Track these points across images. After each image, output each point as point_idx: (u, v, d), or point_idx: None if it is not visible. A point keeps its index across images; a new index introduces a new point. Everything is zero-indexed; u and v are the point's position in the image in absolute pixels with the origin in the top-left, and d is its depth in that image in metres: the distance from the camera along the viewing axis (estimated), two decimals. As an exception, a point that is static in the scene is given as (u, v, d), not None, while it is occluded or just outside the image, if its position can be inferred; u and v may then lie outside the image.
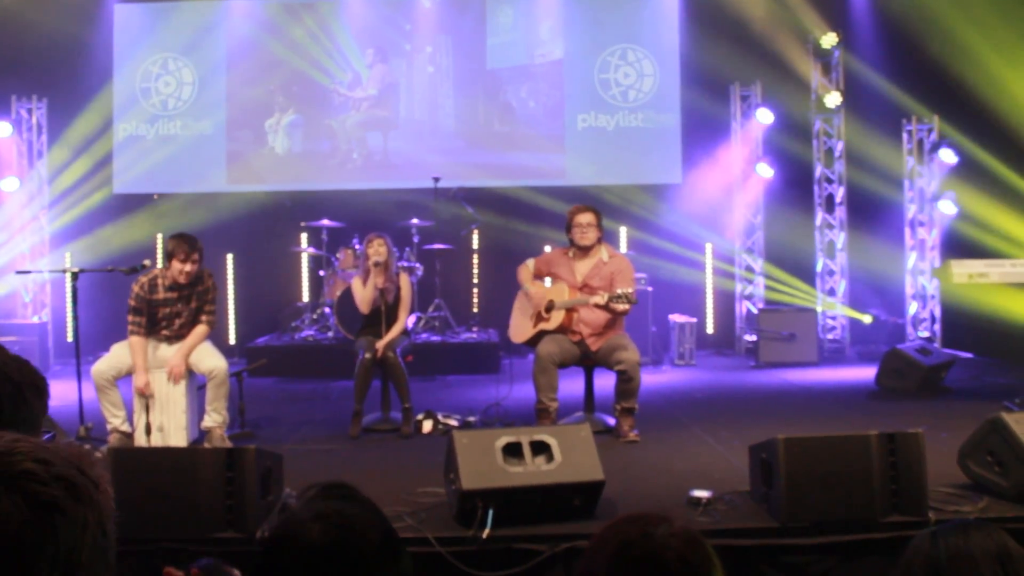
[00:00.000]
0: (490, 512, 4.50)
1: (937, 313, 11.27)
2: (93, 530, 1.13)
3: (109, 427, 6.51)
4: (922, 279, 11.36)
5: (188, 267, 6.54)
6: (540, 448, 4.79)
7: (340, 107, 11.83)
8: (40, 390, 2.07)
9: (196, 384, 6.84)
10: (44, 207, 11.48)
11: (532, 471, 4.70)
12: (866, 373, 9.21)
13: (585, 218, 6.96)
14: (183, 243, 6.56)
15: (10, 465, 1.10)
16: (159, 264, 7.02)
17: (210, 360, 6.62)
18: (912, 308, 11.41)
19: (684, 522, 1.70)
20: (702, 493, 4.94)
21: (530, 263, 7.25)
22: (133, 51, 11.73)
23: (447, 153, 11.61)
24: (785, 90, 11.43)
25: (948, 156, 10.92)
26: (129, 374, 6.58)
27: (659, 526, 1.67)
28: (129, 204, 11.51)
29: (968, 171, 10.63)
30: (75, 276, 6.97)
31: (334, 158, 11.83)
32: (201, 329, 6.70)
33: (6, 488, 1.08)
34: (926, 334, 11.04)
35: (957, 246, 10.67)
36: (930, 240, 11.31)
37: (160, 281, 6.64)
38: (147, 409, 6.51)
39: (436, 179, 10.65)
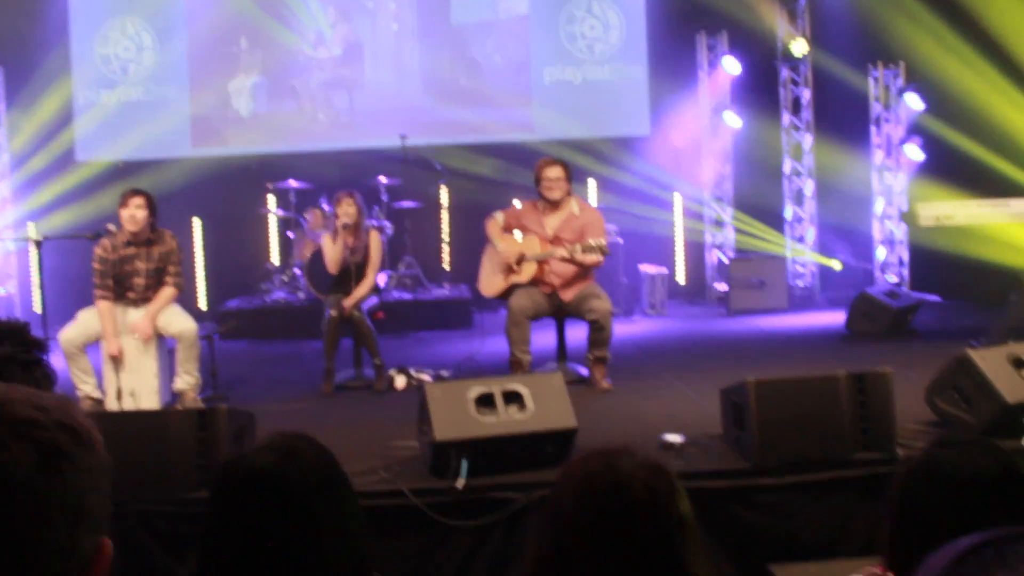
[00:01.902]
0: (464, 462, 4.52)
1: (905, 257, 11.35)
2: (96, 475, 1.13)
3: (80, 394, 6.46)
4: (890, 224, 11.43)
5: (133, 211, 6.46)
6: (512, 397, 4.80)
7: (304, 67, 11.69)
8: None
9: (166, 347, 6.80)
10: (5, 177, 11.30)
11: (505, 420, 4.71)
12: (836, 318, 9.28)
13: (553, 172, 6.92)
14: (124, 191, 6.57)
15: (12, 413, 1.09)
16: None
17: (179, 322, 6.57)
18: (880, 253, 11.49)
19: (645, 452, 1.71)
20: (674, 438, 4.98)
21: (499, 216, 7.21)
22: (91, 16, 11.50)
23: (414, 111, 11.51)
24: (751, 38, 11.40)
25: (915, 102, 10.95)
26: (98, 340, 6.53)
27: (623, 458, 1.68)
28: (92, 171, 11.35)
29: (935, 116, 10.66)
30: (39, 245, 6.88)
31: (299, 119, 11.71)
32: (168, 291, 6.64)
33: (13, 435, 1.07)
34: (894, 278, 11.14)
35: (924, 191, 10.72)
36: (897, 185, 11.36)
37: (119, 240, 6.57)
38: (117, 374, 6.47)
39: (403, 137, 10.57)
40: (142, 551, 4.48)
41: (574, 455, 1.71)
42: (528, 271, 6.91)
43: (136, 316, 6.59)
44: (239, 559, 1.65)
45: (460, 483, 4.48)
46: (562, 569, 1.65)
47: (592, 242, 6.65)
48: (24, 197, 11.28)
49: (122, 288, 6.61)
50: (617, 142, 11.60)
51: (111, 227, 6.80)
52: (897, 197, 11.35)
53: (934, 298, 10.32)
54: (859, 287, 9.92)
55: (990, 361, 4.97)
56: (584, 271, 6.89)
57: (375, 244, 7.39)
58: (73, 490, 1.09)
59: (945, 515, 1.78)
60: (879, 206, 11.49)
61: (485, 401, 4.77)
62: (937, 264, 10.34)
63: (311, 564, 1.63)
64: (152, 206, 6.59)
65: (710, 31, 11.52)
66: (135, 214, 6.49)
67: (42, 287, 6.90)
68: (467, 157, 11.34)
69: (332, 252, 7.31)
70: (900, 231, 11.33)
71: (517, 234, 7.19)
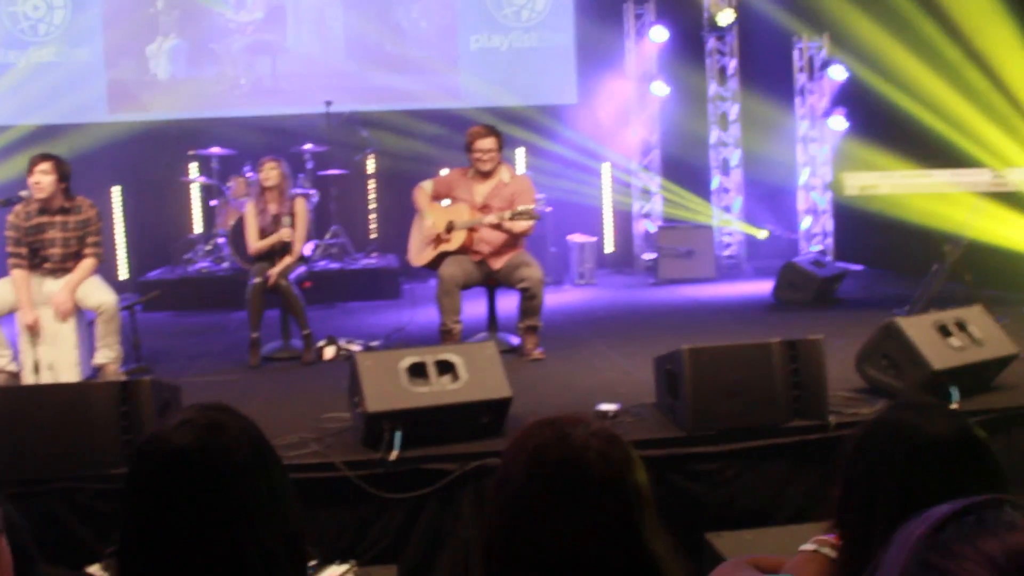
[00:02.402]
0: (397, 434, 4.44)
1: (829, 227, 11.52)
2: None
3: (-6, 367, 6.23)
4: (814, 194, 11.58)
5: (37, 177, 6.20)
6: (445, 367, 4.73)
7: (225, 31, 11.39)
8: None
9: (86, 319, 6.57)
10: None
11: (438, 391, 4.64)
12: (763, 287, 9.38)
13: (486, 143, 6.81)
14: (32, 157, 6.29)
15: None
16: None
17: (97, 295, 6.35)
18: (805, 223, 11.63)
19: (600, 423, 1.65)
20: (609, 406, 4.96)
21: (426, 185, 7.10)
22: (-3, -28, 11.06)
23: (338, 76, 11.29)
24: (679, 8, 11.41)
25: (838, 73, 11.07)
26: (13, 311, 6.28)
27: (577, 427, 1.62)
28: (3, 136, 10.93)
29: (858, 87, 10.79)
30: (-53, 210, 6.60)
31: (221, 84, 11.42)
32: (87, 263, 6.41)
33: None
34: (819, 248, 11.29)
35: (849, 161, 10.86)
36: (821, 156, 11.50)
37: (33, 207, 6.32)
38: (35, 346, 6.24)
39: (328, 103, 10.38)
40: (64, 528, 4.34)
41: (523, 424, 1.63)
42: (457, 239, 6.82)
43: (54, 287, 6.35)
44: (162, 543, 1.54)
45: (394, 455, 4.41)
46: (514, 542, 1.59)
47: (522, 208, 6.59)
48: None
49: (38, 258, 6.36)
50: (545, 110, 11.55)
51: (24, 193, 6.53)
52: (821, 167, 11.49)
53: (858, 267, 10.49)
54: (785, 257, 10.03)
55: (917, 328, 5.05)
56: (514, 239, 6.82)
57: (300, 211, 7.23)
58: None
59: (904, 477, 1.77)
60: (804, 176, 11.61)
61: (417, 371, 4.69)
62: (861, 234, 10.50)
63: (241, 545, 1.53)
64: (62, 172, 6.31)
65: (638, 0, 11.48)
66: (40, 180, 6.21)
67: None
68: (394, 124, 11.18)
69: (251, 226, 7.14)
70: (825, 201, 11.49)
71: (446, 202, 7.09)
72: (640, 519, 1.57)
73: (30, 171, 6.25)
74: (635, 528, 1.56)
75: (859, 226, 10.37)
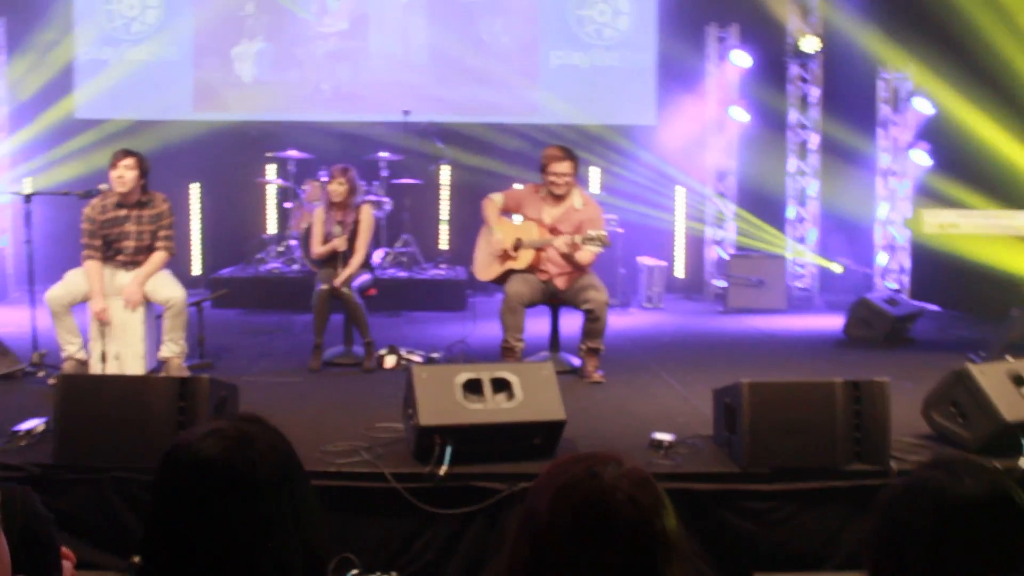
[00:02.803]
0: (448, 449, 4.42)
1: (906, 264, 11.26)
2: None
3: (64, 354, 6.37)
4: (892, 229, 11.33)
5: (120, 172, 6.35)
6: (501, 385, 4.71)
7: (310, 37, 11.54)
8: None
9: (154, 313, 6.69)
10: (4, 132, 11.16)
11: (492, 408, 4.62)
12: (833, 322, 9.19)
13: (562, 168, 6.75)
14: (115, 151, 6.45)
15: None
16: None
17: (167, 289, 6.46)
18: (882, 258, 11.39)
19: (633, 462, 1.60)
20: (664, 436, 4.89)
21: (497, 198, 7.08)
22: (96, -30, 11.36)
23: (418, 87, 11.37)
24: (762, 33, 11.27)
25: (923, 106, 10.83)
26: (84, 300, 6.43)
27: (607, 465, 1.58)
28: (91, 129, 11.21)
29: (943, 122, 10.55)
30: (28, 199, 6.77)
31: (302, 88, 11.57)
32: (159, 256, 6.53)
33: None
34: (894, 285, 11.04)
35: (930, 197, 10.62)
36: (902, 190, 11.25)
37: (109, 200, 6.46)
38: (103, 337, 6.37)
39: (406, 112, 10.46)
40: (115, 517, 4.40)
41: (557, 456, 1.59)
42: (525, 258, 6.80)
43: (125, 279, 6.48)
44: (180, 548, 1.55)
45: (443, 470, 4.39)
46: (537, 573, 1.55)
47: (593, 233, 6.53)
48: (23, 152, 11.13)
49: (111, 250, 6.50)
50: (621, 130, 11.49)
51: (103, 187, 6.68)
52: (901, 202, 11.25)
53: (934, 307, 10.23)
54: (858, 292, 9.83)
55: (990, 377, 4.88)
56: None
57: (365, 218, 7.26)
58: None
59: (934, 540, 1.69)
60: (883, 210, 11.38)
61: (473, 387, 4.68)
62: (939, 273, 10.24)
63: (257, 557, 1.53)
64: (143, 168, 6.47)
65: (721, 23, 11.38)
66: (123, 175, 6.37)
67: (29, 241, 6.78)
68: (470, 137, 11.22)
69: (317, 234, 7.23)
70: (903, 237, 11.23)
71: (516, 217, 7.07)
72: (665, 565, 1.52)
73: (113, 165, 6.40)
74: (660, 574, 1.51)
75: (937, 265, 10.11)
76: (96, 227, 6.43)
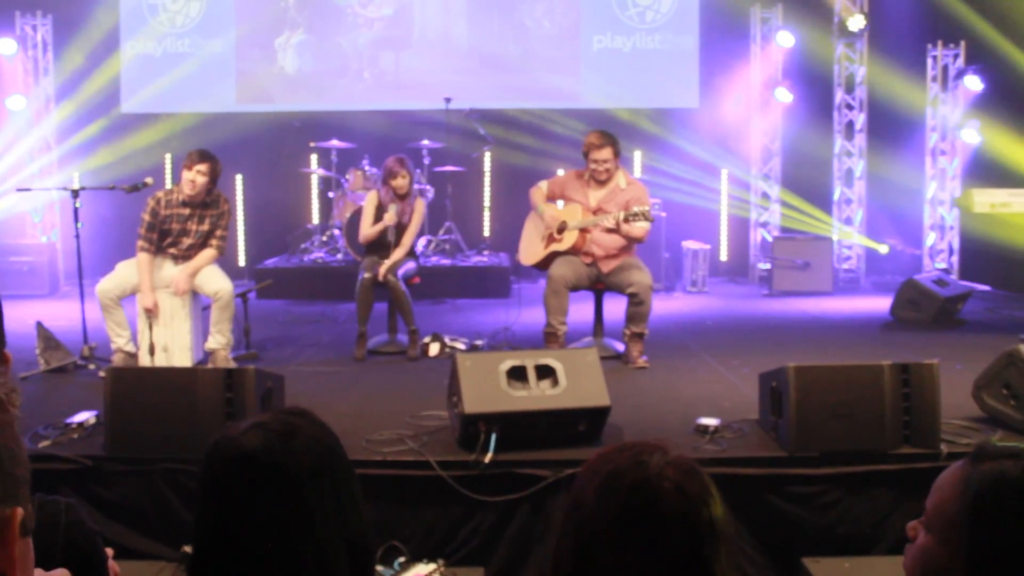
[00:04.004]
0: (493, 436, 4.43)
1: (955, 244, 11.09)
2: None
3: (113, 347, 6.46)
4: (941, 209, 11.16)
5: (194, 176, 6.43)
6: (545, 372, 4.70)
7: (352, 25, 11.57)
8: None
9: (201, 305, 6.77)
10: (51, 126, 11.33)
11: (536, 395, 4.62)
12: (881, 304, 9.07)
13: (603, 155, 6.73)
14: (192, 153, 6.51)
15: None
16: (167, 184, 6.93)
17: (215, 281, 6.53)
18: (930, 239, 11.23)
19: (680, 451, 1.59)
20: (710, 421, 4.86)
21: (543, 185, 7.09)
22: (139, -35, 11.47)
23: (460, 73, 11.37)
24: (807, 12, 11.11)
25: (974, 83, 10.63)
26: (134, 293, 6.51)
27: (654, 454, 1.56)
28: (138, 124, 11.35)
29: (994, 99, 10.35)
30: (76, 194, 6.86)
31: (344, 77, 11.62)
32: (209, 252, 6.60)
33: None
34: (943, 265, 10.88)
35: (978, 177, 10.44)
36: (951, 170, 11.07)
37: (176, 196, 6.54)
38: (151, 329, 6.45)
39: (448, 100, 10.46)
40: (167, 507, 4.46)
41: (603, 443, 1.58)
42: (569, 239, 6.78)
43: (173, 271, 6.56)
44: (224, 540, 1.57)
45: (488, 457, 4.40)
46: (582, 565, 1.55)
47: (637, 209, 6.50)
48: (70, 146, 11.30)
49: (166, 243, 6.57)
50: (664, 113, 11.41)
51: (149, 180, 6.76)
52: (950, 182, 11.07)
53: (984, 288, 10.06)
54: (906, 273, 9.70)
55: (1042, 357, 4.79)
56: (626, 244, 6.75)
57: (418, 210, 7.31)
58: None
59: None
60: (931, 190, 11.21)
61: (517, 374, 4.68)
62: (989, 253, 10.07)
63: (299, 550, 1.54)
64: (215, 174, 6.55)
65: (765, 3, 11.25)
66: (196, 180, 6.45)
67: (77, 236, 6.88)
68: (512, 123, 11.21)
69: (368, 216, 7.24)
70: (952, 217, 11.06)
71: (560, 203, 7.06)
72: (712, 555, 1.51)
73: (188, 166, 6.45)
74: (706, 563, 1.50)
75: (987, 245, 9.94)
76: (157, 221, 6.50)
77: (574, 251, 6.79)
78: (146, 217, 6.51)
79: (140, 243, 6.51)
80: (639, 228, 6.58)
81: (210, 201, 6.60)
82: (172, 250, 6.59)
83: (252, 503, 1.56)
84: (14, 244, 10.76)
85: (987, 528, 1.66)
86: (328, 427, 1.72)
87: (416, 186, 9.71)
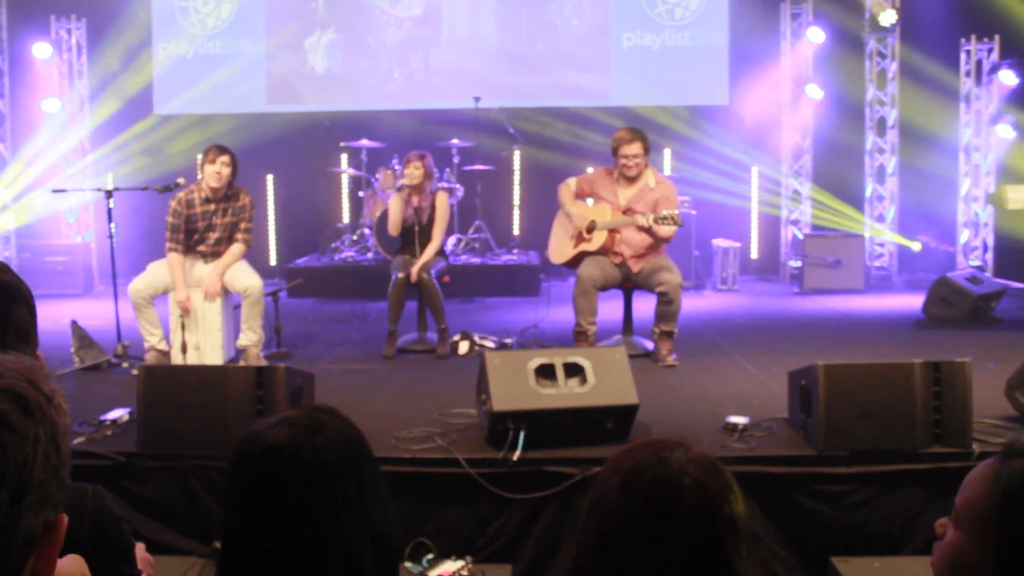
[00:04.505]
0: (521, 434, 4.44)
1: (990, 241, 10.97)
2: (45, 447, 1.05)
3: (146, 345, 6.54)
4: (975, 206, 11.04)
5: (218, 168, 6.52)
6: (574, 370, 4.71)
7: (381, 25, 11.62)
8: (24, 296, 1.96)
9: (232, 303, 6.83)
10: (85, 128, 11.47)
11: (565, 393, 4.62)
12: (913, 301, 8.99)
13: (632, 149, 6.72)
14: (214, 146, 6.61)
15: None
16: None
17: (245, 279, 6.59)
18: (963, 236, 11.11)
19: (702, 448, 1.60)
20: (739, 419, 4.85)
21: (571, 182, 7.08)
22: (172, -32, 11.58)
23: (489, 72, 11.39)
24: (838, 8, 11.04)
25: (1008, 78, 10.50)
26: (166, 292, 6.59)
27: (675, 451, 1.57)
28: (170, 125, 11.46)
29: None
30: (110, 195, 6.94)
31: (374, 77, 11.67)
32: (237, 248, 6.67)
33: None
34: (977, 262, 10.77)
35: (1014, 173, 10.32)
36: (985, 166, 10.95)
37: (196, 195, 6.61)
38: (183, 327, 6.52)
39: (477, 99, 10.48)
40: (198, 503, 4.51)
41: (626, 442, 1.59)
42: (599, 239, 6.78)
43: (204, 270, 6.63)
44: (252, 534, 1.59)
45: (516, 455, 4.41)
46: (603, 561, 1.56)
47: (666, 212, 6.48)
48: (104, 147, 11.43)
49: (193, 241, 6.65)
50: (694, 111, 11.37)
51: (181, 180, 6.83)
52: (984, 178, 10.95)
53: (1019, 285, 9.95)
54: (939, 270, 9.61)
55: (1076, 355, 4.74)
56: (655, 242, 6.73)
57: (441, 205, 7.32)
58: (15, 462, 1.02)
59: None
60: (964, 187, 11.09)
61: (545, 372, 4.68)
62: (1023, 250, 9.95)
63: (325, 544, 1.57)
64: (235, 165, 6.65)
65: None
66: (221, 171, 6.53)
67: (110, 236, 6.97)
68: (541, 121, 11.22)
69: (394, 214, 7.28)
70: (986, 214, 10.94)
71: (589, 201, 7.06)
72: (732, 551, 1.51)
73: (211, 160, 6.54)
74: (726, 559, 1.51)
75: (1022, 242, 9.82)
76: (181, 221, 6.58)
77: (603, 251, 6.79)
78: (170, 219, 6.59)
79: (168, 244, 6.59)
80: (667, 230, 6.56)
81: (231, 194, 6.67)
82: (201, 247, 6.67)
83: (278, 497, 1.59)
84: (49, 244, 10.91)
85: (1016, 525, 1.64)
86: (353, 423, 1.74)
87: (445, 184, 9.78)
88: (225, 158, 6.56)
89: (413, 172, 7.24)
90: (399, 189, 7.29)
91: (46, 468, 1.05)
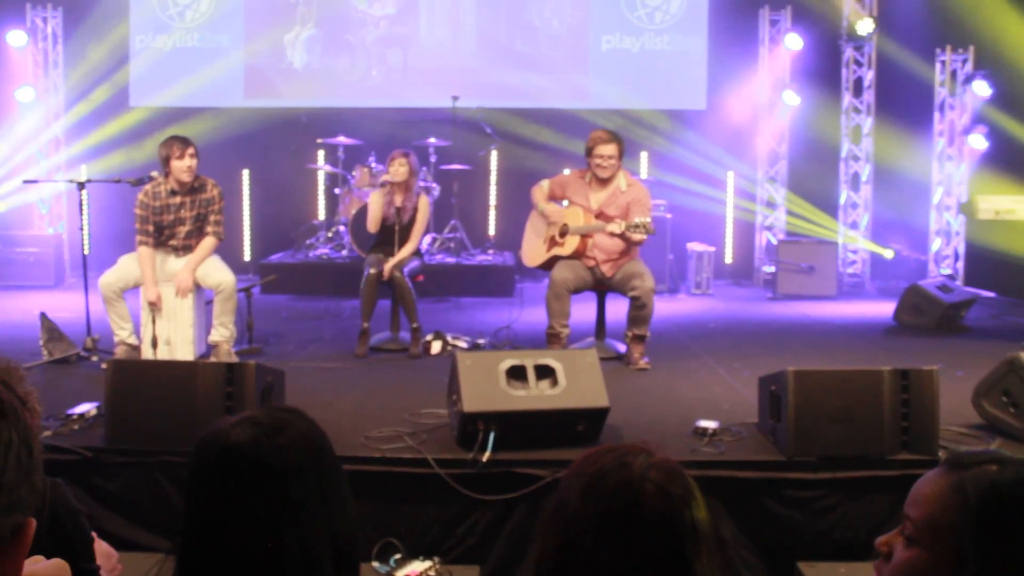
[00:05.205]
0: (491, 435, 4.44)
1: (961, 250, 11.06)
2: (17, 450, 1.03)
3: (116, 339, 6.49)
4: (947, 215, 11.13)
5: (188, 162, 6.45)
6: (545, 372, 4.71)
7: (360, 22, 11.59)
8: None
9: (204, 298, 6.79)
10: (59, 118, 11.37)
11: (535, 395, 4.63)
12: (885, 308, 9.06)
13: (607, 150, 6.73)
14: (175, 140, 6.50)
15: None
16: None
17: (217, 274, 6.55)
18: (936, 244, 11.20)
19: (665, 453, 1.60)
20: (708, 423, 4.86)
21: (544, 184, 7.08)
22: (150, -41, 11.51)
23: (467, 72, 11.37)
24: (816, 16, 11.11)
25: (982, 88, 10.60)
26: (137, 286, 6.53)
27: (637, 456, 1.58)
28: (145, 117, 11.37)
29: (1002, 105, 10.33)
30: (82, 186, 6.88)
31: (352, 74, 11.63)
32: (209, 241, 6.62)
33: None
34: (948, 271, 10.86)
35: (986, 183, 10.41)
36: (958, 175, 11.04)
37: (163, 187, 6.55)
38: (154, 322, 6.47)
39: (455, 98, 10.46)
40: (164, 499, 4.48)
41: (590, 448, 1.59)
42: (571, 244, 6.78)
43: (176, 265, 6.58)
44: (211, 532, 1.59)
45: (486, 456, 4.41)
46: (564, 566, 1.56)
47: (637, 220, 6.49)
48: (78, 139, 11.33)
49: (163, 235, 6.60)
50: (672, 115, 11.40)
51: (155, 174, 6.78)
52: (957, 187, 11.05)
53: (989, 294, 10.05)
54: (911, 278, 9.69)
55: (1043, 365, 4.79)
56: (628, 247, 6.75)
57: (423, 208, 7.32)
58: None
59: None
60: (937, 196, 11.18)
61: (517, 374, 4.68)
62: (994, 259, 10.05)
63: (284, 544, 1.56)
64: (199, 156, 6.58)
65: (774, 5, 11.25)
66: (191, 164, 6.48)
67: (81, 228, 6.92)
68: (519, 122, 11.21)
69: (375, 210, 7.25)
70: (957, 223, 11.04)
71: (564, 203, 7.07)
72: (694, 557, 1.52)
73: (180, 156, 6.45)
74: (688, 565, 1.51)
75: (992, 251, 9.92)
76: (149, 213, 6.52)
77: (576, 255, 6.79)
78: (138, 211, 6.53)
79: (138, 238, 6.53)
80: (636, 237, 6.57)
81: (197, 186, 6.60)
82: (172, 242, 6.61)
83: (238, 496, 1.58)
84: (21, 235, 10.80)
85: (994, 537, 1.62)
86: (317, 425, 1.74)
87: (422, 183, 9.76)
88: (191, 149, 6.49)
89: (398, 169, 7.22)
90: (382, 185, 7.26)
91: (17, 471, 1.04)
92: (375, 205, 7.28)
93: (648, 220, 6.51)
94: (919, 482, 1.78)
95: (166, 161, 6.48)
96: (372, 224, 7.29)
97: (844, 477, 4.41)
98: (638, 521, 1.52)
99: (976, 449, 1.76)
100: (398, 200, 7.26)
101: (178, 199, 6.55)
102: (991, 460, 1.69)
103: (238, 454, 1.59)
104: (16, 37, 10.94)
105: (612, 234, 6.60)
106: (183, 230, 6.60)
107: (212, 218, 6.63)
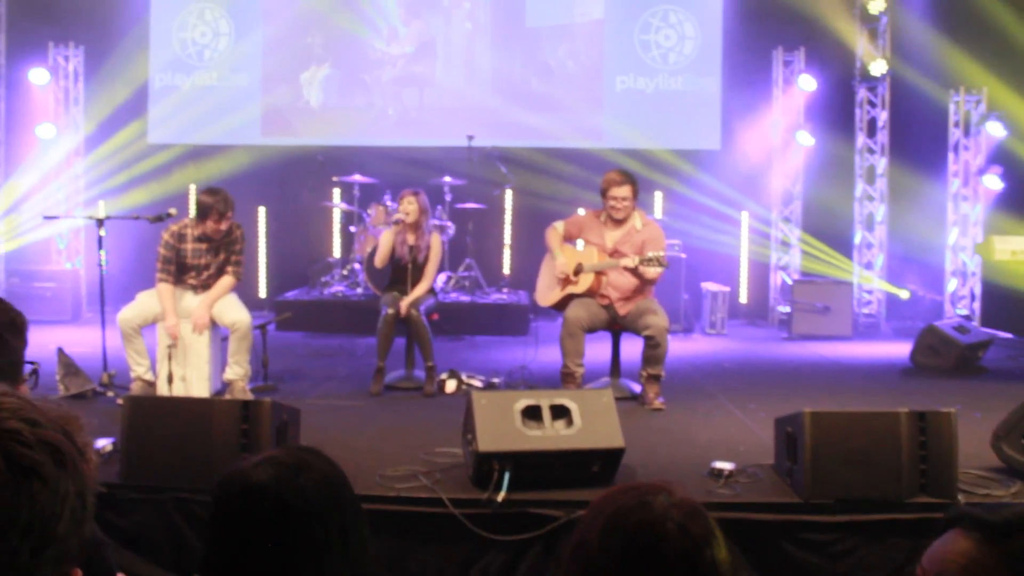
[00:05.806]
0: (506, 475, 4.42)
1: (977, 291, 11.02)
2: (72, 501, 1.04)
3: (132, 375, 6.51)
4: (963, 255, 11.11)
5: (223, 225, 6.52)
6: (560, 412, 4.69)
7: (376, 62, 11.71)
8: (18, 328, 1.97)
9: (220, 335, 6.81)
10: (80, 155, 11.49)
11: (551, 435, 4.61)
12: (901, 349, 9.02)
13: (622, 192, 6.76)
14: (218, 203, 6.48)
15: None
16: (191, 214, 7.01)
17: (233, 312, 6.57)
18: (951, 285, 11.17)
19: (685, 492, 1.60)
20: (724, 465, 4.83)
21: (559, 226, 7.10)
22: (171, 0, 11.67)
23: (482, 112, 11.46)
24: (829, 57, 11.17)
25: (996, 129, 10.62)
26: (154, 322, 6.57)
27: (658, 495, 1.57)
28: (164, 154, 11.48)
29: (1017, 145, 10.33)
30: (101, 223, 6.94)
31: (369, 113, 11.73)
32: (227, 280, 6.66)
33: None
34: (964, 311, 10.81)
35: (1001, 223, 10.40)
36: (973, 215, 11.03)
37: (190, 232, 6.60)
38: (170, 358, 6.49)
39: (470, 137, 10.53)
40: (178, 536, 4.46)
41: (610, 486, 1.58)
42: (585, 282, 6.79)
43: (193, 301, 6.62)
44: (235, 571, 1.58)
45: (501, 496, 4.39)
46: None
47: (652, 254, 6.50)
48: (98, 175, 11.44)
49: (184, 274, 6.64)
50: (686, 155, 11.44)
51: (173, 211, 6.83)
52: (972, 228, 11.03)
53: (1006, 335, 9.99)
54: (927, 319, 9.65)
55: (1062, 408, 4.75)
56: (642, 285, 6.75)
57: (436, 246, 7.35)
58: (42, 514, 1.01)
59: None
60: (953, 236, 11.16)
61: (532, 414, 4.67)
62: (1011, 300, 10.01)
63: None
64: (234, 212, 6.66)
65: (787, 46, 11.31)
66: (222, 227, 6.54)
67: (100, 264, 6.96)
68: (534, 162, 11.27)
69: (384, 247, 7.27)
70: (973, 263, 11.00)
71: (579, 244, 7.09)
72: (716, 598, 1.51)
73: (218, 220, 6.48)
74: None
75: (1009, 292, 9.88)
76: (171, 253, 6.56)
77: (590, 293, 6.80)
78: (162, 251, 6.58)
79: (159, 275, 6.57)
80: (653, 271, 6.57)
81: (225, 230, 6.67)
82: (191, 280, 6.66)
83: (259, 536, 1.58)
84: (39, 270, 10.88)
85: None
86: (337, 465, 1.74)
87: (436, 221, 9.80)
88: (230, 214, 6.56)
89: (408, 207, 7.26)
90: (395, 223, 7.29)
91: (71, 523, 1.04)
92: (385, 242, 7.31)
93: (662, 254, 6.52)
94: (943, 543, 1.73)
95: (203, 214, 6.50)
96: (380, 260, 7.32)
97: (862, 520, 4.37)
98: (659, 561, 1.52)
99: (991, 504, 1.72)
100: (411, 239, 7.29)
101: (204, 245, 6.61)
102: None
103: (260, 494, 1.60)
104: (38, 75, 11.09)
105: (626, 268, 6.61)
106: (206, 273, 6.65)
107: (233, 258, 6.68)
